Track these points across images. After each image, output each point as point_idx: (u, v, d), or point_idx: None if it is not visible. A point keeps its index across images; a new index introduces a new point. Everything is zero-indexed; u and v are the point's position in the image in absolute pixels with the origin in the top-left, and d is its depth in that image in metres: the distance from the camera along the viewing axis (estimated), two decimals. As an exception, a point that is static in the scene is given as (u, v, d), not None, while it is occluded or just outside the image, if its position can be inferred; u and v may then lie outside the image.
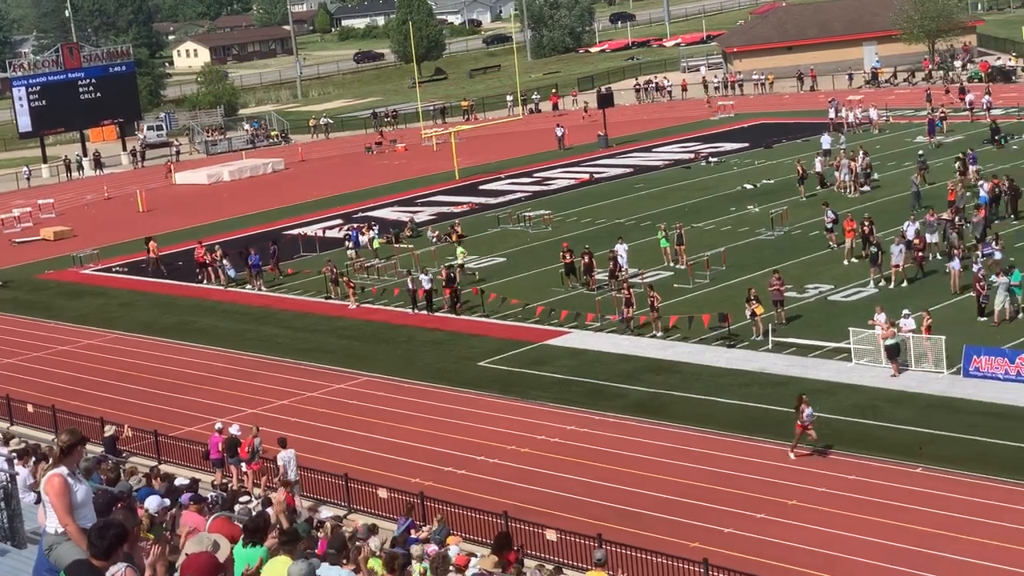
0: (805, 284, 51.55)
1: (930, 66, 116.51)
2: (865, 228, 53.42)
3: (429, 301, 53.58)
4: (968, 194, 59.44)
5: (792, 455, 34.79)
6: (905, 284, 49.38)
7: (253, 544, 14.90)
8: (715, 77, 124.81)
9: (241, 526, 15.95)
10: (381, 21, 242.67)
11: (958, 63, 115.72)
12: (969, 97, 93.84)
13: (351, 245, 65.60)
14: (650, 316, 47.68)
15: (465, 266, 58.38)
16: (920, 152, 71.55)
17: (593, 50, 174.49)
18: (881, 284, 49.84)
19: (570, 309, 50.48)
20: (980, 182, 60.19)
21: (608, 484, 34.72)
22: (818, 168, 70.60)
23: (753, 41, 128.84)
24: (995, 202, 58.24)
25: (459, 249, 60.16)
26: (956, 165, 66.66)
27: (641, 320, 47.93)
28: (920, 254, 50.78)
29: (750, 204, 67.61)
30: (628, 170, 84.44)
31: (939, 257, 52.02)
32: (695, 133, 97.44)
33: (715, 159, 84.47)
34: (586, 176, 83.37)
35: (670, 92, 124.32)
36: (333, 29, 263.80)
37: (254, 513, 24.37)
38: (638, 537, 30.01)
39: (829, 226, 56.97)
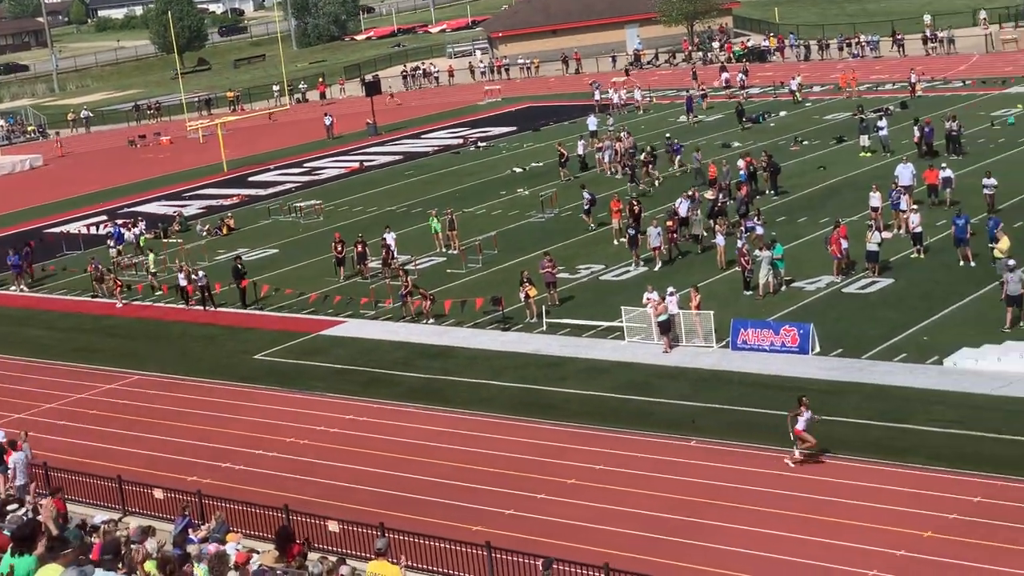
0: (576, 265, 52.27)
1: (689, 47, 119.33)
2: (635, 208, 54.43)
3: (204, 296, 52.61)
4: (727, 169, 61.10)
5: (791, 463, 31.90)
6: (661, 265, 50.11)
7: (22, 553, 14.37)
8: (481, 62, 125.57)
9: (8, 535, 15.39)
10: (139, 11, 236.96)
11: (716, 44, 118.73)
12: (724, 76, 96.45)
13: (112, 243, 63.94)
14: (409, 301, 47.74)
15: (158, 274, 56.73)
16: (668, 135, 73.12)
17: (359, 38, 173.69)
18: (643, 267, 50.52)
19: (344, 296, 50.29)
20: (738, 162, 61.77)
21: (389, 472, 34.64)
22: (580, 151, 71.52)
23: (518, 25, 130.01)
24: (752, 179, 59.96)
25: (151, 256, 58.37)
26: (720, 144, 68.39)
27: (414, 305, 47.92)
28: (674, 234, 51.70)
29: (520, 187, 68.21)
30: (398, 157, 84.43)
31: (705, 234, 53.34)
32: (464, 119, 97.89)
33: (484, 144, 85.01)
34: (356, 164, 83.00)
35: (437, 78, 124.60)
36: (89, 20, 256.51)
37: (23, 521, 23.52)
38: (421, 523, 29.99)
39: (587, 208, 57.94)
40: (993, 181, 49.32)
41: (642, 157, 66.71)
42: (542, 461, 34.19)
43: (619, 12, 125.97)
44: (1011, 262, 40.33)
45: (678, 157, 68.75)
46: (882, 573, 26.57)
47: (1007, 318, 39.22)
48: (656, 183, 64.94)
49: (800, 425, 31.68)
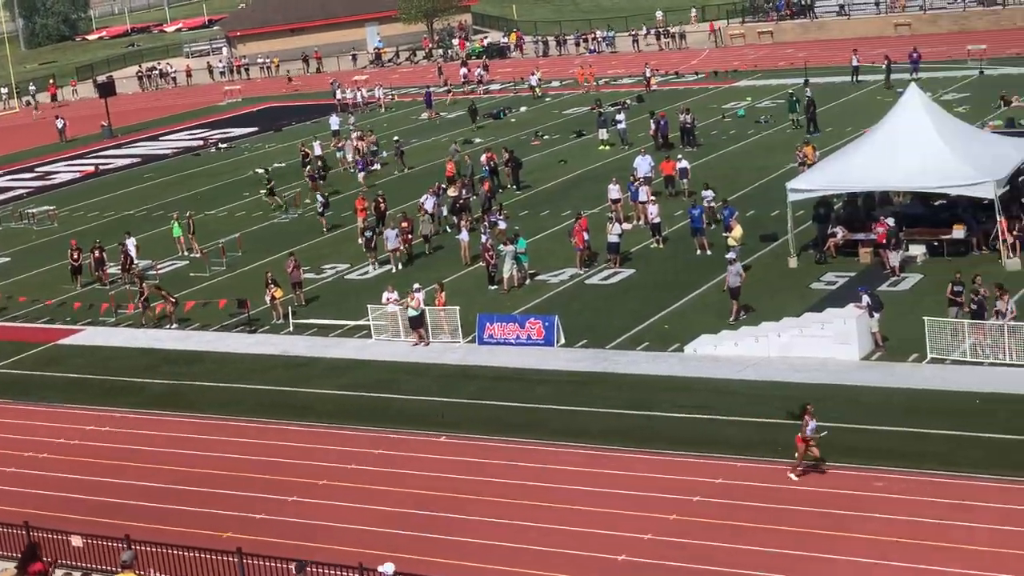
0: (322, 265, 51.87)
1: (430, 45, 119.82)
2: (381, 206, 54.34)
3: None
4: (470, 164, 61.55)
5: (794, 476, 29.80)
6: (401, 267, 49.96)
7: None
8: (219, 62, 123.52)
9: None
10: None
11: (455, 41, 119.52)
12: (463, 71, 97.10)
13: None
14: (149, 307, 46.58)
15: None
16: (396, 137, 73.01)
17: (91, 37, 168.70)
18: (381, 268, 50.16)
19: (83, 303, 48.80)
20: (481, 157, 62.18)
21: (134, 482, 33.70)
22: (318, 151, 70.97)
23: (256, 24, 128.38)
24: (494, 174, 60.52)
25: None
26: (455, 144, 68.76)
27: (158, 308, 46.79)
28: (409, 235, 51.61)
29: (263, 189, 67.31)
30: (136, 160, 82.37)
31: (448, 229, 53.57)
32: (204, 120, 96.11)
33: (225, 145, 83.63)
34: (91, 168, 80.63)
35: (175, 78, 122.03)
36: None
37: None
38: (169, 533, 29.27)
39: (320, 210, 57.54)
40: (711, 193, 50.27)
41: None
42: (293, 463, 33.79)
43: (358, 10, 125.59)
44: (730, 255, 41.59)
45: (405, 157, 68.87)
46: (631, 558, 27.10)
47: (732, 310, 40.41)
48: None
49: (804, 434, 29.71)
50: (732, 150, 65.05)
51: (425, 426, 35.26)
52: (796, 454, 29.79)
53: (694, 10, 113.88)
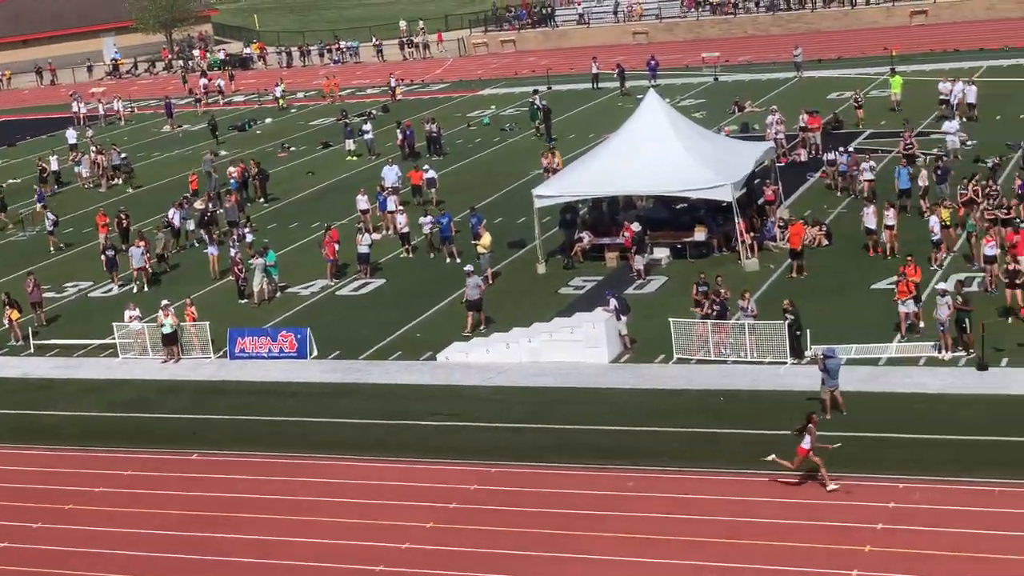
0: (63, 283, 50.30)
1: (169, 55, 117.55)
2: (123, 222, 53.04)
3: None
4: (216, 178, 60.58)
5: (833, 486, 28.07)
6: (146, 287, 48.62)
7: None
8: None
9: None
10: None
11: (196, 51, 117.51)
12: (203, 82, 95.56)
13: None
14: None
15: None
16: (123, 154, 70.76)
17: None
18: (127, 286, 48.95)
19: None
20: (229, 169, 61.23)
21: None
22: (54, 166, 68.73)
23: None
24: (243, 187, 59.78)
25: None
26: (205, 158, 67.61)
27: None
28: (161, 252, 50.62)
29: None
30: None
31: (197, 244, 52.60)
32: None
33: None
34: None
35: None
36: None
37: None
38: (-94, 569, 27.97)
39: (50, 229, 55.72)
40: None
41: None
42: (37, 488, 32.64)
43: (92, 20, 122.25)
44: (468, 267, 41.69)
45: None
46: (389, 568, 27.05)
47: (467, 323, 40.59)
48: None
49: (805, 444, 28.27)
50: (479, 158, 65.67)
51: (177, 444, 34.53)
52: (820, 471, 28.07)
53: (421, 23, 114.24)
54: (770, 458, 28.52)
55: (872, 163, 49.48)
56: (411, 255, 48.90)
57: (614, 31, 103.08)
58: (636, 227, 44.57)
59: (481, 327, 40.22)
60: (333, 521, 29.33)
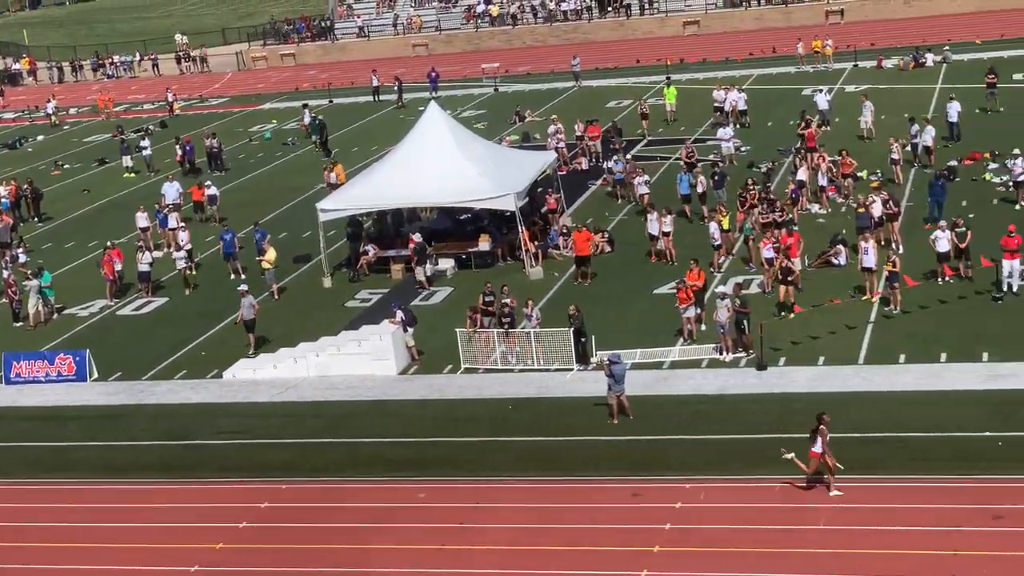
0: None
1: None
2: None
3: None
4: None
5: (836, 492, 27.36)
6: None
7: None
8: None
9: None
10: None
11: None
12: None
13: None
14: None
15: None
16: None
17: None
18: None
19: None
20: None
21: None
22: None
23: None
24: (16, 206, 57.98)
25: None
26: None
27: None
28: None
29: None
30: None
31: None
32: None
33: None
34: None
35: None
36: None
37: None
38: None
39: None
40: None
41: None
42: None
43: None
44: (242, 287, 40.55)
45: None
46: (180, 592, 26.51)
47: (251, 342, 39.60)
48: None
49: (817, 448, 27.43)
50: (261, 173, 64.92)
51: (-51, 475, 33.21)
52: (828, 472, 27.39)
53: (179, 36, 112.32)
54: (790, 456, 27.64)
55: (646, 177, 50.26)
56: (194, 272, 47.96)
57: (394, 43, 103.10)
58: (417, 238, 44.59)
59: (249, 351, 39.53)
60: (116, 547, 28.55)
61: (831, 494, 27.27)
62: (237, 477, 31.55)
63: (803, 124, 54.11)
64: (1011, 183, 45.80)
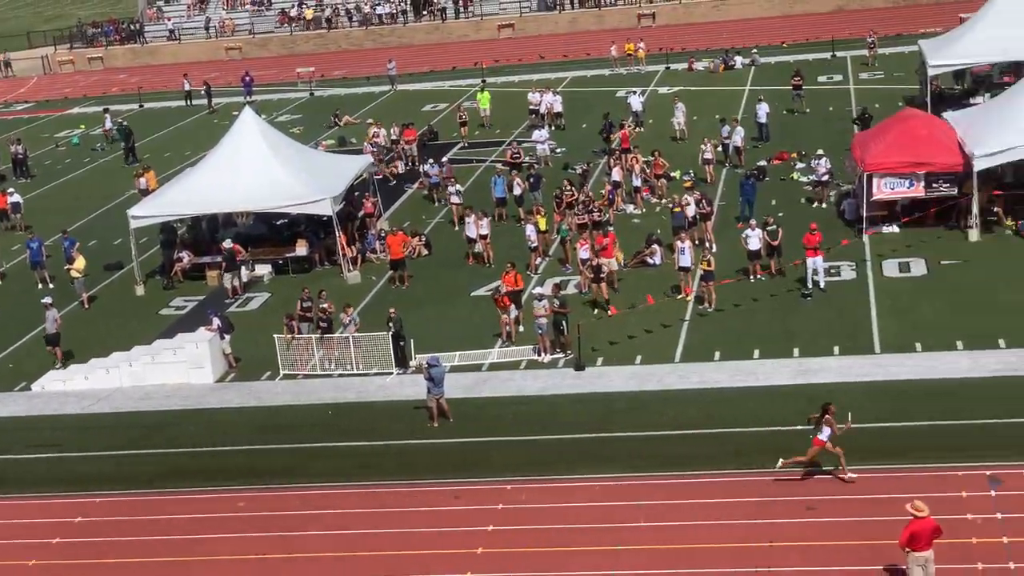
0: None
1: None
2: None
3: None
4: None
5: (848, 476, 27.16)
6: None
7: None
8: None
9: None
10: None
11: None
12: None
13: None
14: None
15: None
16: None
17: None
18: None
19: None
20: None
21: None
22: None
23: None
24: None
25: None
26: None
27: None
28: None
29: None
30: None
31: None
32: None
33: None
34: None
35: None
36: None
37: None
38: None
39: None
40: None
41: None
42: None
43: None
44: (46, 299, 39.45)
45: None
46: (-11, 612, 25.68)
47: (57, 355, 38.62)
48: None
49: (824, 435, 27.09)
50: (69, 179, 63.33)
51: None
52: (839, 462, 27.17)
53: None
54: (779, 465, 27.39)
55: (459, 187, 50.09)
56: (1, 281, 46.56)
57: (207, 47, 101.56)
58: (227, 244, 43.87)
59: (57, 364, 38.41)
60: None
61: (847, 478, 27.01)
62: (48, 492, 30.67)
63: (605, 129, 55.01)
64: (816, 182, 47.03)
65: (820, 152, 47.57)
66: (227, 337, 37.24)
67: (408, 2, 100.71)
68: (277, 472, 30.54)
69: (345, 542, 26.91)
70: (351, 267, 44.18)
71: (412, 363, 35.81)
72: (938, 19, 75.36)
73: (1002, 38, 52.80)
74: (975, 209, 41.07)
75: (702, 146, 51.02)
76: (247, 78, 79.39)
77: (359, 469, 30.20)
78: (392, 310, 36.38)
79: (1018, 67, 52.94)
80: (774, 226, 39.88)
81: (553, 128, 61.18)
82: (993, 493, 26.09)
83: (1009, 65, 55.18)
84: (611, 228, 42.28)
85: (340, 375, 36.12)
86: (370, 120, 63.07)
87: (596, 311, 37.55)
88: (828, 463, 27.50)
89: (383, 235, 46.04)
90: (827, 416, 27.17)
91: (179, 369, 36.71)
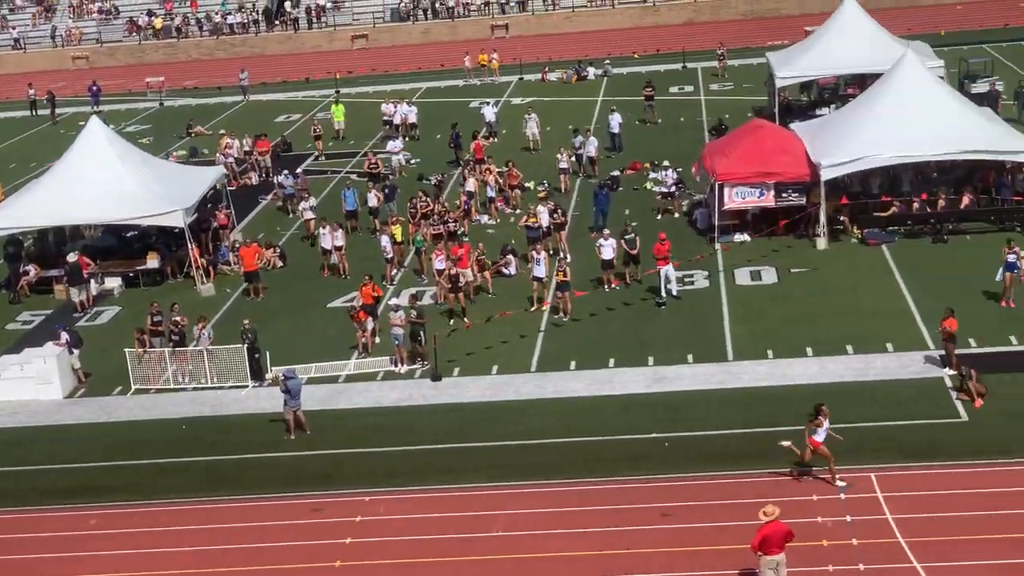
0: None
1: None
2: None
3: None
4: None
5: (841, 482, 27.22)
6: None
7: None
8: None
9: None
10: None
11: None
12: None
13: None
14: None
15: None
16: None
17: None
18: None
19: None
20: None
21: None
22: None
23: None
24: None
25: None
26: None
27: None
28: None
29: None
30: None
31: None
32: None
33: None
34: None
35: None
36: None
37: None
38: None
39: None
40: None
41: None
42: None
43: None
44: None
45: None
46: None
47: None
48: None
49: (819, 437, 27.33)
50: None
51: None
52: (828, 465, 27.34)
53: None
54: (786, 444, 27.60)
55: (313, 202, 49.40)
56: None
57: (53, 56, 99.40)
58: (71, 257, 42.97)
59: None
60: None
61: (837, 484, 27.16)
62: None
63: (453, 140, 55.48)
64: (665, 193, 47.56)
65: (666, 163, 48.24)
66: (76, 352, 36.51)
67: (260, 12, 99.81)
68: (130, 489, 30.02)
69: (202, 558, 26.54)
70: (204, 280, 43.60)
71: (268, 376, 35.48)
72: (785, 32, 76.81)
73: (846, 51, 54.20)
74: (823, 218, 42.00)
75: (558, 155, 51.36)
76: (94, 88, 77.90)
77: (215, 484, 29.82)
78: (246, 322, 36.02)
79: (862, 79, 54.18)
80: (632, 235, 40.30)
81: (407, 139, 61.10)
82: (842, 496, 26.69)
83: (853, 77, 56.48)
84: (466, 239, 42.35)
85: (195, 389, 35.61)
86: (222, 131, 62.30)
87: (453, 321, 37.59)
88: (820, 464, 27.92)
89: (236, 247, 45.52)
90: (819, 418, 27.47)
91: (27, 385, 35.87)
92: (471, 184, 49.12)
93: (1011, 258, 35.67)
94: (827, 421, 27.42)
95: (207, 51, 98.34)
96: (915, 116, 41.78)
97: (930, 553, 24.42)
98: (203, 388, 35.53)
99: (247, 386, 35.28)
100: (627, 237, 40.15)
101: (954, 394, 30.91)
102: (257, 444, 31.73)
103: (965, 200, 42.22)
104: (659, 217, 46.30)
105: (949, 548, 24.55)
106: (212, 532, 27.68)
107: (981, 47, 68.71)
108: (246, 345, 35.41)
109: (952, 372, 31.74)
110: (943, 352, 32.49)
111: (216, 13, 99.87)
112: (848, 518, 25.83)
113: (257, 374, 35.49)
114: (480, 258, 40.58)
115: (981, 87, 54.83)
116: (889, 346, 33.97)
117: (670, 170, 47.61)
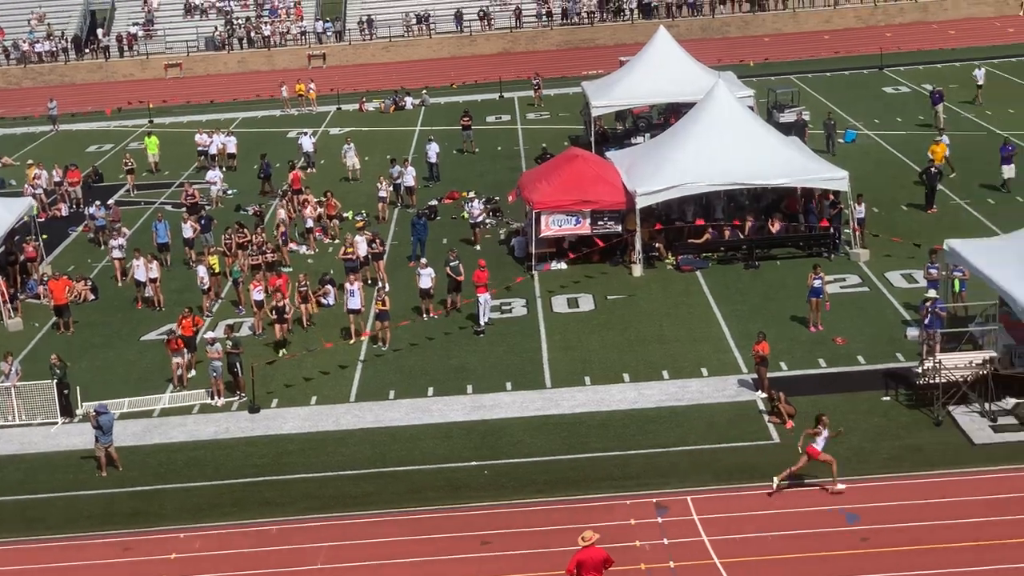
0: None
1: None
2: None
3: None
4: None
5: (840, 487, 27.67)
6: None
7: None
8: None
9: None
10: None
11: None
12: None
13: None
14: None
15: None
16: None
17: None
18: None
19: None
20: None
21: None
22: None
23: None
24: None
25: None
26: None
27: None
28: None
29: None
30: None
31: None
32: None
33: None
34: None
35: None
36: None
37: None
38: None
39: None
40: None
41: None
42: None
43: None
44: None
45: None
46: None
47: None
48: None
49: (819, 445, 27.63)
50: None
51: None
52: (832, 472, 27.79)
53: None
54: (776, 481, 27.82)
55: (123, 241, 47.97)
56: None
57: None
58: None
59: None
60: None
61: (837, 488, 27.62)
62: None
63: (263, 170, 55.24)
64: (473, 224, 47.65)
65: (472, 195, 48.43)
66: None
67: (69, 40, 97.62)
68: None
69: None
70: (11, 314, 42.32)
71: (79, 411, 34.55)
72: (599, 63, 77.90)
73: (659, 81, 55.23)
74: (638, 245, 42.60)
75: (377, 185, 51.21)
76: None
77: (23, 524, 28.89)
78: (54, 356, 35.04)
79: (676, 108, 55.23)
80: (456, 262, 40.30)
81: (225, 169, 60.28)
82: (660, 520, 27.01)
83: (667, 106, 57.57)
84: (284, 269, 41.88)
85: (1, 426, 34.49)
86: (30, 161, 60.67)
87: (281, 351, 37.22)
88: (821, 474, 27.94)
89: (46, 280, 44.28)
90: (819, 427, 27.89)
91: None
92: (282, 214, 48.49)
93: (816, 283, 36.64)
94: (826, 430, 27.86)
95: (14, 80, 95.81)
96: (727, 144, 42.70)
97: (743, 573, 24.84)
98: (10, 426, 34.43)
99: (56, 423, 34.30)
100: (451, 264, 40.15)
101: (766, 416, 31.58)
102: (67, 482, 30.85)
103: (776, 226, 43.23)
104: (478, 248, 46.44)
105: (763, 568, 25.00)
106: (19, 574, 26.80)
107: (788, 78, 70.62)
108: (55, 380, 34.45)
109: (764, 395, 32.44)
110: (755, 376, 33.18)
111: (23, 41, 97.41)
112: (665, 540, 26.14)
113: (67, 410, 34.54)
114: (301, 289, 40.16)
115: (789, 116, 56.32)
116: (704, 370, 34.56)
117: (475, 201, 47.94)
